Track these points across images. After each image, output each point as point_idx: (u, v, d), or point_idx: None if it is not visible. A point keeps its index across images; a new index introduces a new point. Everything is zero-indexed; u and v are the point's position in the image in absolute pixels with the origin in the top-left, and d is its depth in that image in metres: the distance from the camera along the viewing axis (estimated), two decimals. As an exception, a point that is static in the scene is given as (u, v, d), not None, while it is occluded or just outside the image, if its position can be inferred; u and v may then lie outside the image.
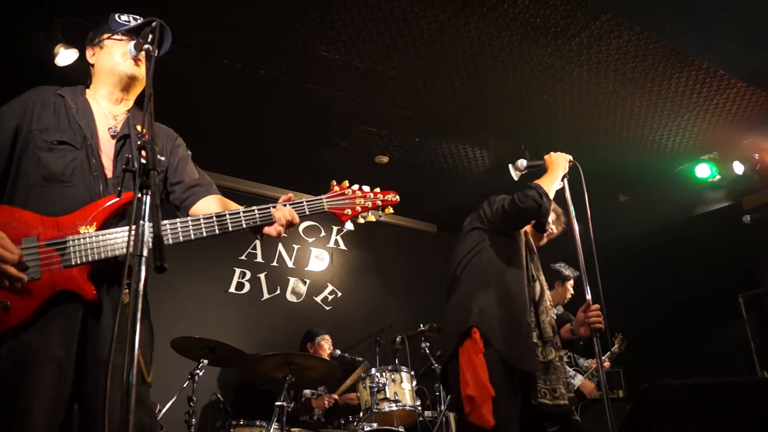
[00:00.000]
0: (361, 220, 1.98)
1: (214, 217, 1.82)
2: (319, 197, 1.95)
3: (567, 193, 2.79)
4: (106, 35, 2.02)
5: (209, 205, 2.02)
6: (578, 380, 4.83)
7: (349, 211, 1.96)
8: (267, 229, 1.89)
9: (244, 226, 1.84)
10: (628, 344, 5.33)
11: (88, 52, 2.06)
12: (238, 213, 1.85)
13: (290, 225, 1.88)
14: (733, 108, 4.94)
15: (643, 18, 3.94)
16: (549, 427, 2.61)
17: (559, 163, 2.75)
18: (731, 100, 4.84)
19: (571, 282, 4.64)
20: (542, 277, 2.72)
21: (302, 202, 1.92)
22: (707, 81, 4.57)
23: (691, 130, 5.29)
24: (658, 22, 3.99)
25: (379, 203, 2.00)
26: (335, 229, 6.43)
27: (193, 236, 1.80)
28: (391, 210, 2.03)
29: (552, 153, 2.82)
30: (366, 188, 2.01)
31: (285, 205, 1.89)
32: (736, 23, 3.97)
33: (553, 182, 2.69)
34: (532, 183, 2.64)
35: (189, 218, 1.81)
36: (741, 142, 5.44)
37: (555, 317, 2.70)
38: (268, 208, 1.87)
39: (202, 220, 1.81)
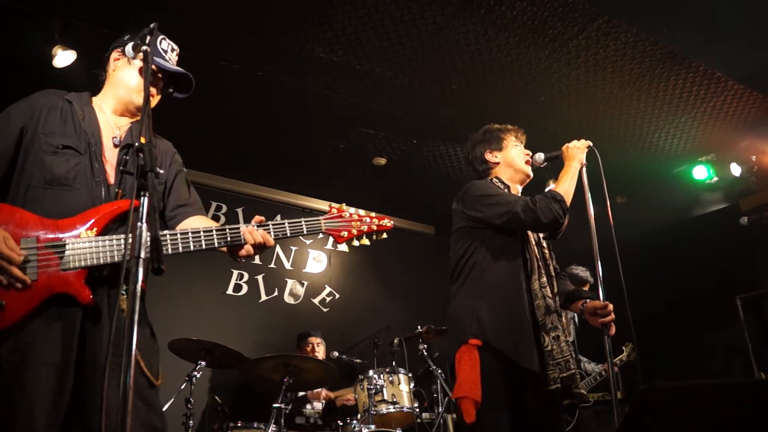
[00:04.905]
0: (356, 243, 2.04)
1: (179, 235, 1.83)
2: (317, 218, 2.01)
3: (585, 183, 2.66)
4: (141, 55, 1.92)
5: (193, 225, 2.02)
6: None
7: (345, 234, 2.02)
8: (240, 252, 1.91)
9: (204, 246, 1.84)
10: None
11: (114, 55, 2.06)
12: (198, 232, 1.85)
13: (261, 247, 1.90)
14: (730, 110, 4.95)
15: (641, 20, 3.95)
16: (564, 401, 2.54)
17: (576, 156, 2.65)
18: (728, 102, 4.85)
19: (587, 286, 4.44)
20: (533, 252, 2.57)
21: (300, 222, 1.96)
22: (704, 83, 4.58)
23: (688, 132, 5.30)
24: (656, 25, 4.01)
25: (375, 228, 2.06)
26: (333, 230, 6.42)
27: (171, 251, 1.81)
28: (385, 235, 2.09)
29: (570, 144, 2.71)
30: (362, 212, 2.07)
31: (266, 228, 1.91)
32: (733, 25, 3.98)
33: (572, 183, 2.59)
34: (556, 193, 2.51)
35: (167, 232, 1.82)
36: (738, 143, 5.45)
37: (554, 294, 2.56)
38: (238, 228, 1.88)
39: (179, 236, 1.82)
